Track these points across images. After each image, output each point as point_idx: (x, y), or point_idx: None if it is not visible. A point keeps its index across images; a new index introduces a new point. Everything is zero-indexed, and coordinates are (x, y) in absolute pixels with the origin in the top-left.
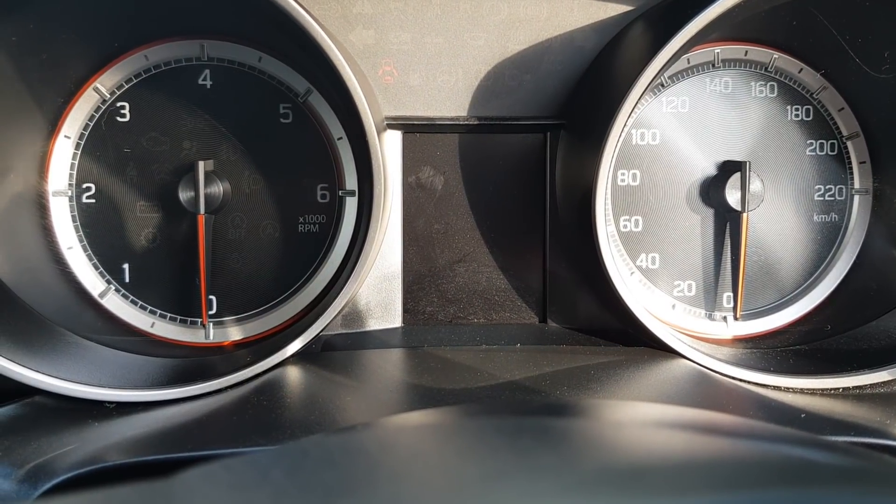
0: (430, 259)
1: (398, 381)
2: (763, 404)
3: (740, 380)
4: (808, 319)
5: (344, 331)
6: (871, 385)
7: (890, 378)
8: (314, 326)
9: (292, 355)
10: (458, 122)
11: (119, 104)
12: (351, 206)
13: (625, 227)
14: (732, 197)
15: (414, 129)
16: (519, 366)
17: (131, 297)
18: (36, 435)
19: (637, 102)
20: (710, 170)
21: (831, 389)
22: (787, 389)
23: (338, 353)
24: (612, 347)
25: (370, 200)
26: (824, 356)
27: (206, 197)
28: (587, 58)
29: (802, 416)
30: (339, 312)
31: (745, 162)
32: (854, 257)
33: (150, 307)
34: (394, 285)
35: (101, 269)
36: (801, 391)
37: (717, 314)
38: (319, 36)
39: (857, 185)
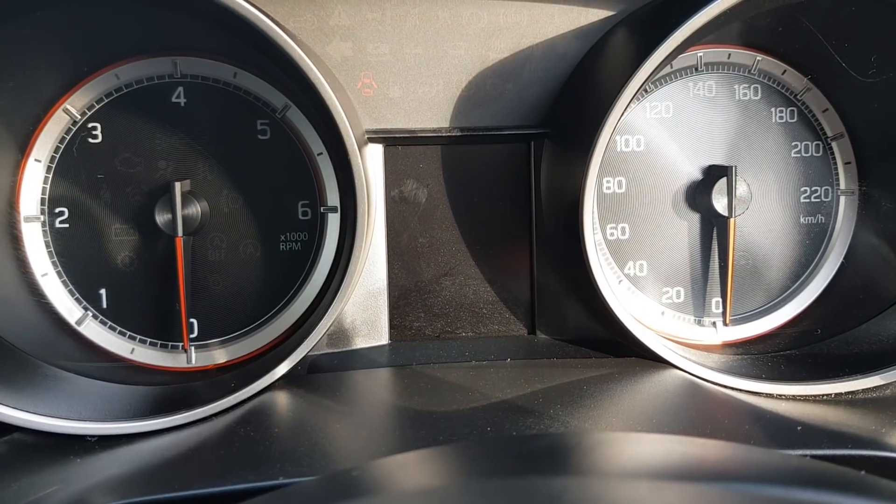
0: (416, 273)
1: (388, 404)
2: (758, 415)
3: (732, 388)
4: (798, 322)
5: (330, 350)
6: (864, 390)
7: (882, 383)
8: (301, 348)
9: (278, 378)
10: (440, 134)
11: (90, 125)
12: (333, 222)
13: (612, 234)
14: (720, 203)
15: (395, 143)
16: (510, 383)
17: (109, 322)
18: (16, 475)
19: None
20: (696, 175)
21: (824, 395)
22: (779, 397)
23: (325, 374)
24: (602, 359)
25: (354, 217)
26: (816, 361)
27: (184, 218)
28: (569, 65)
29: (799, 428)
30: (326, 332)
31: (732, 167)
32: (841, 258)
33: (129, 333)
34: (379, 302)
35: (78, 295)
36: (794, 398)
37: (706, 320)
38: (295, 52)
39: (842, 185)
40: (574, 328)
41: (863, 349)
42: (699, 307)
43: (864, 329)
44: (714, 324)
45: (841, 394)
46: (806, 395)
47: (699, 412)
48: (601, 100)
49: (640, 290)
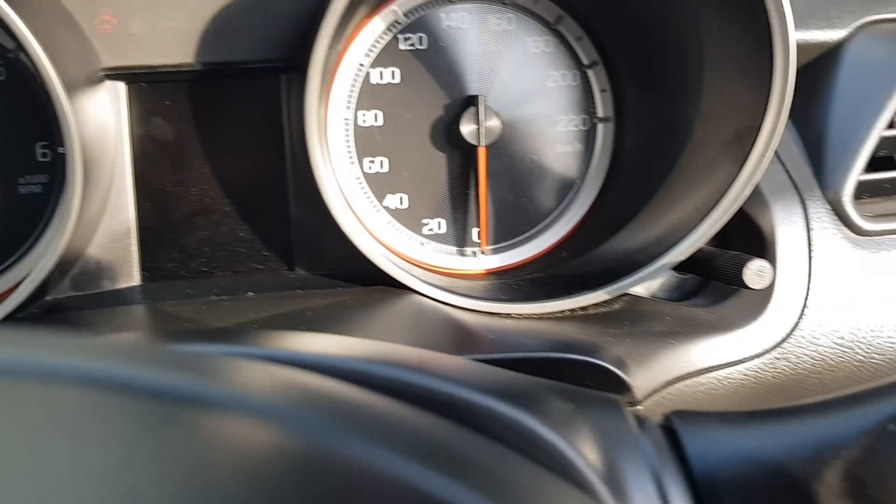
0: (167, 213)
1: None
2: (480, 331)
3: (470, 310)
4: (558, 249)
5: (74, 293)
6: (594, 305)
7: (608, 297)
8: (21, 288)
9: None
10: (183, 69)
11: None
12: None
13: (370, 168)
14: (468, 130)
15: (137, 80)
16: (256, 311)
17: None
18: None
19: (372, 40)
20: (453, 107)
21: (558, 313)
22: (518, 316)
23: (66, 314)
24: (351, 288)
25: (64, 162)
26: (556, 281)
27: None
28: None
29: (490, 336)
30: (48, 275)
31: (478, 96)
32: (600, 186)
33: None
34: (127, 243)
35: None
36: (530, 317)
37: (468, 250)
38: None
39: (599, 113)
40: (333, 262)
41: (597, 268)
42: (460, 238)
43: (601, 249)
44: (474, 253)
45: (574, 310)
46: (541, 314)
47: (426, 330)
48: (320, 31)
49: (402, 223)
